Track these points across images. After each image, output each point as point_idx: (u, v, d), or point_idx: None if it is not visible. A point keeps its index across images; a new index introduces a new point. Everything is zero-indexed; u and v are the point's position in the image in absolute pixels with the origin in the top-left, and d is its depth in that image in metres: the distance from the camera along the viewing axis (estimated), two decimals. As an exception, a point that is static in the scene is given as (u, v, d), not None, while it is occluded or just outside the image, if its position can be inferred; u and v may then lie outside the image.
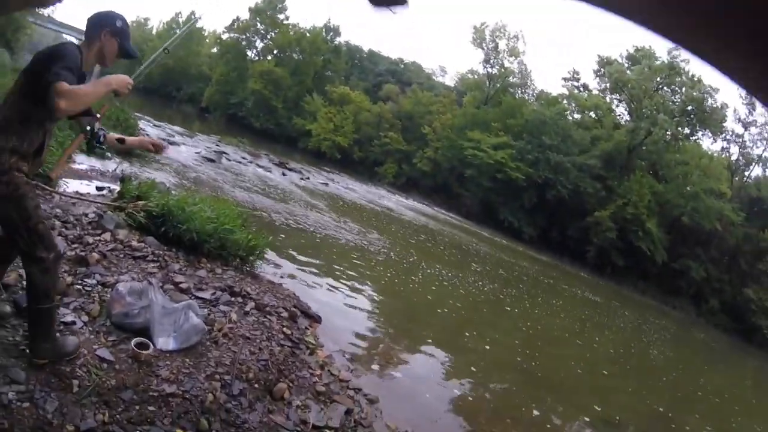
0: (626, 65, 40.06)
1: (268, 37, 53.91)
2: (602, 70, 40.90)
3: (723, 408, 10.00)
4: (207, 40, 62.52)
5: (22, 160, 2.32)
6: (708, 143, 39.24)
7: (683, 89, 36.77)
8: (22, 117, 2.31)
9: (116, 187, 6.52)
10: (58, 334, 2.70)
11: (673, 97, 37.56)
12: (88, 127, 2.85)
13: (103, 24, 2.51)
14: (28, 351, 2.58)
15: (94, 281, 3.63)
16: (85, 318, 3.17)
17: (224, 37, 54.71)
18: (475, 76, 48.91)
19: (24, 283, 3.19)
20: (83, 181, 6.94)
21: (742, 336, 28.29)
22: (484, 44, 45.51)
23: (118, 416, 2.55)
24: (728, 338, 26.69)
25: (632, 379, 9.62)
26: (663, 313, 25.62)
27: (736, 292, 31.41)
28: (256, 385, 3.47)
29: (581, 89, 43.98)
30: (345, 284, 8.04)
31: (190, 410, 2.84)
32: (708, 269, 32.90)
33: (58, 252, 2.50)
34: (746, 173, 38.94)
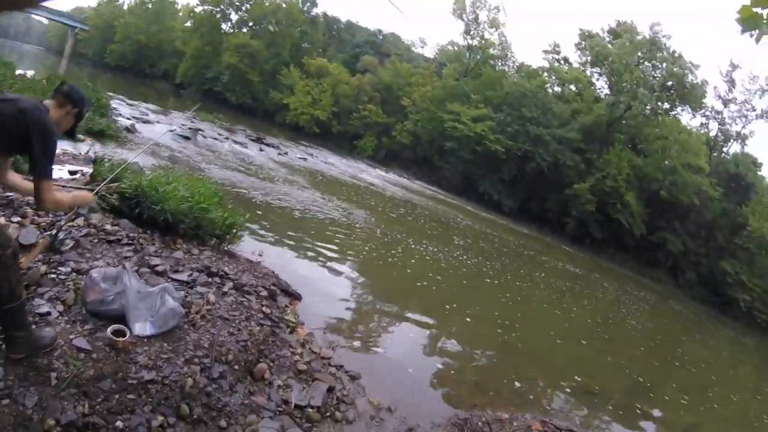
0: (607, 39, 39.98)
1: (243, 9, 52.49)
2: (583, 43, 40.73)
3: (700, 377, 10.34)
4: (180, 14, 60.69)
5: None
6: (687, 119, 39.50)
7: (664, 65, 36.84)
8: None
9: (89, 170, 6.34)
10: (33, 327, 2.64)
11: (653, 72, 37.59)
12: (54, 231, 3.20)
13: (76, 103, 2.75)
14: (3, 347, 2.50)
15: (69, 269, 3.54)
16: (61, 307, 3.10)
17: (198, 10, 53.02)
18: (456, 48, 48.42)
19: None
20: (56, 165, 6.73)
21: (719, 308, 29.10)
22: (464, 15, 44.93)
23: (98, 407, 2.52)
24: (705, 309, 27.44)
25: (611, 349, 9.87)
26: (641, 284, 26.19)
27: (712, 265, 32.12)
28: (236, 367, 3.46)
29: (562, 62, 43.88)
30: (325, 260, 8.03)
31: (170, 396, 2.82)
32: (685, 242, 33.52)
33: (13, 248, 2.40)
34: (724, 149, 39.45)
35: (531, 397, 5.71)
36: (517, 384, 5.87)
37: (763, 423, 8.68)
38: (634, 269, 31.16)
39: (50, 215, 4.24)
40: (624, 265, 31.25)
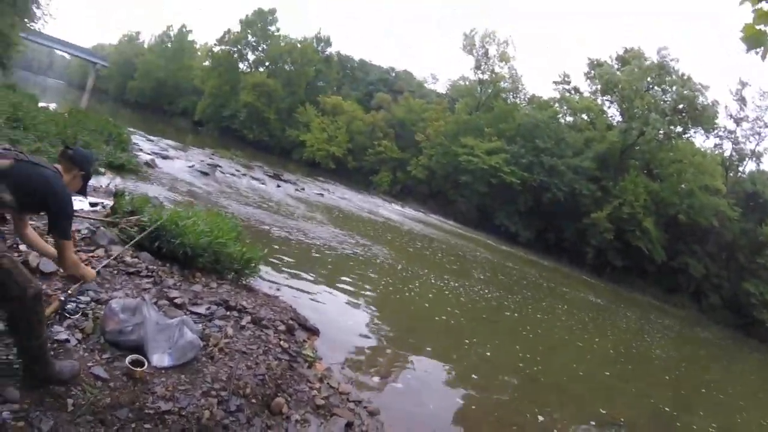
0: (616, 66, 40.29)
1: (260, 48, 54.11)
2: (592, 72, 41.12)
3: (728, 404, 9.97)
4: (199, 53, 62.68)
5: None
6: (701, 140, 39.36)
7: (674, 88, 36.95)
8: None
9: (109, 203, 6.45)
10: (54, 360, 2.61)
11: (663, 96, 37.71)
12: (62, 297, 3.21)
13: (82, 166, 2.91)
14: (23, 378, 2.50)
15: (88, 298, 3.56)
16: (79, 335, 3.11)
17: (216, 49, 54.76)
18: (467, 83, 49.14)
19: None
20: (76, 197, 6.86)
21: (744, 330, 28.32)
22: (474, 50, 45.71)
23: (114, 435, 2.49)
24: (730, 333, 26.69)
25: (635, 379, 9.57)
26: (664, 311, 25.61)
27: (735, 287, 31.47)
28: (254, 401, 3.41)
29: (572, 92, 44.23)
30: (343, 295, 7.99)
31: (186, 428, 2.78)
32: (707, 265, 32.96)
33: (35, 288, 2.37)
34: (740, 168, 39.12)
35: (555, 431, 5.53)
36: (540, 418, 5.70)
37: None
38: (656, 296, 30.56)
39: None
40: (646, 292, 30.67)
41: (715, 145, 39.45)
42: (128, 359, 2.97)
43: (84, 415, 2.47)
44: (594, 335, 12.51)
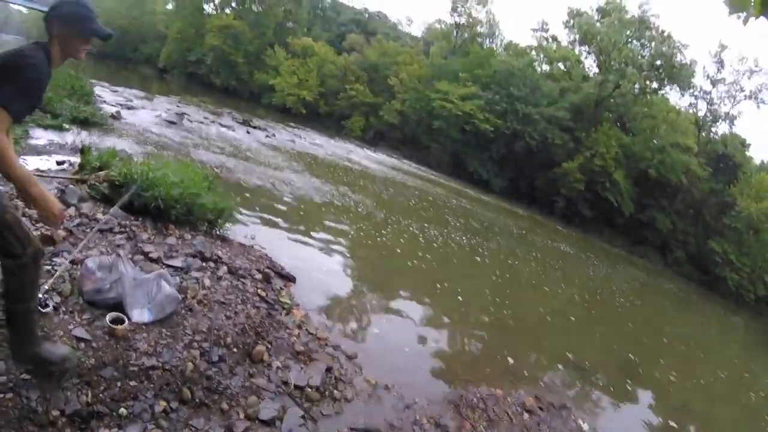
0: (596, 17, 39.79)
1: (226, -12, 51.53)
2: (572, 21, 40.52)
3: (688, 354, 10.55)
4: (162, -3, 59.45)
5: None
6: (676, 98, 39.46)
7: (653, 44, 36.72)
8: None
9: (76, 159, 6.27)
10: (46, 341, 2.49)
11: (642, 52, 37.49)
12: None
13: (52, 15, 2.21)
14: (10, 353, 2.40)
15: (63, 259, 3.52)
16: (58, 298, 3.09)
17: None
18: (443, 26, 47.97)
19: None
20: (42, 156, 6.62)
21: (707, 286, 29.45)
22: (451, -8, 44.45)
23: (101, 395, 2.55)
24: (694, 288, 27.80)
25: (600, 325, 10.05)
26: (631, 262, 26.50)
27: (701, 245, 32.44)
28: (235, 350, 3.50)
29: (550, 40, 43.65)
30: (317, 242, 8.06)
31: (171, 381, 2.85)
32: (674, 221, 33.80)
33: (36, 248, 2.21)
34: (713, 130, 39.51)
35: (525, 373, 5.81)
36: (510, 360, 5.98)
37: (750, 399, 8.92)
38: (624, 247, 31.49)
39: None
40: (613, 243, 31.58)
41: (690, 104, 39.52)
42: (108, 317, 2.99)
43: (70, 378, 2.50)
44: (562, 282, 12.97)
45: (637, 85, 36.63)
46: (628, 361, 8.13)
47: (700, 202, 34.77)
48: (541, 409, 4.79)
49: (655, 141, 34.79)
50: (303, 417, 3.27)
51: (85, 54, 2.33)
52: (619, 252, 29.46)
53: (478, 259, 11.67)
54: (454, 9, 45.15)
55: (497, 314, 7.84)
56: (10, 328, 2.32)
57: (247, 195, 9.25)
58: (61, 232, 3.87)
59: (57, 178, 5.15)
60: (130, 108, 14.69)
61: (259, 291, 4.59)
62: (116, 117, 12.18)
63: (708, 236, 32.39)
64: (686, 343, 11.64)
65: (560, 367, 6.53)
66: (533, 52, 42.81)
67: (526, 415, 4.56)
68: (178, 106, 18.81)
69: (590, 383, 6.49)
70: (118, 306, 3.14)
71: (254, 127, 21.01)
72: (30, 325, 2.35)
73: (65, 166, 6.28)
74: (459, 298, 8.02)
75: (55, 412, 2.33)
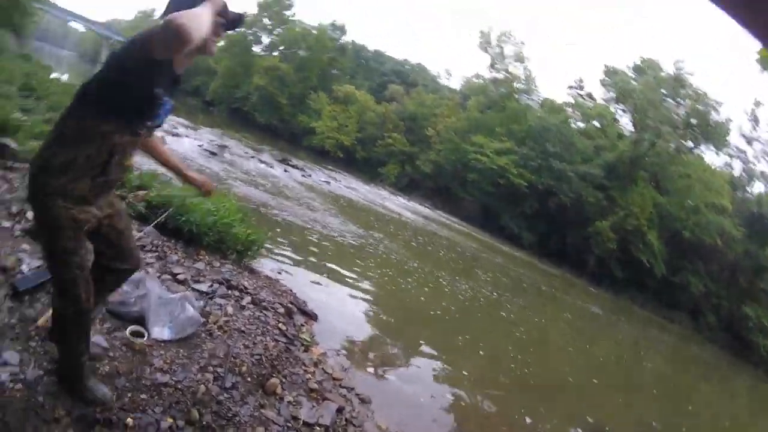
0: (632, 76, 40.02)
1: (275, 33, 53.95)
2: (608, 79, 40.86)
3: (713, 423, 9.99)
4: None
5: (73, 182, 1.94)
6: (711, 157, 38.95)
7: (688, 102, 36.71)
8: (78, 128, 1.95)
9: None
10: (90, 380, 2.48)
11: (677, 110, 37.42)
12: None
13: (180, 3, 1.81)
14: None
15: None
16: (81, 306, 3.16)
17: (230, 31, 54.51)
18: (481, 81, 48.88)
19: (22, 266, 3.20)
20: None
21: (739, 353, 28.05)
22: (489, 49, 45.45)
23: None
24: (725, 354, 26.53)
25: (624, 390, 9.62)
26: (661, 326, 25.55)
27: (734, 309, 31.14)
28: (249, 379, 3.47)
29: (586, 98, 43.96)
30: (343, 283, 8.04)
31: (181, 400, 2.84)
32: (707, 284, 32.70)
33: (80, 308, 2.16)
34: (748, 189, 38.72)
35: (542, 434, 5.59)
36: (528, 420, 5.75)
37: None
38: (654, 310, 30.40)
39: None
40: (644, 306, 30.56)
41: (725, 164, 39.03)
42: (129, 330, 3.03)
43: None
44: (588, 343, 12.55)
45: (672, 144, 36.19)
46: (650, 428, 7.73)
47: (734, 264, 33.53)
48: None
49: (689, 201, 34.09)
50: (309, 454, 3.19)
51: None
52: (650, 315, 28.44)
53: (504, 314, 11.44)
54: (492, 64, 46.05)
55: (518, 372, 7.61)
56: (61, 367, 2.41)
57: (279, 230, 9.37)
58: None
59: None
60: (174, 135, 15.28)
61: (280, 325, 4.58)
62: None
63: (742, 301, 31.04)
64: (713, 411, 11.02)
65: (579, 429, 6.24)
66: (569, 109, 43.05)
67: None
68: (220, 139, 19.44)
69: (609, 450, 6.18)
70: (140, 320, 3.19)
71: (292, 166, 21.50)
72: (72, 365, 2.39)
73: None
74: (480, 352, 7.84)
75: (62, 411, 2.34)
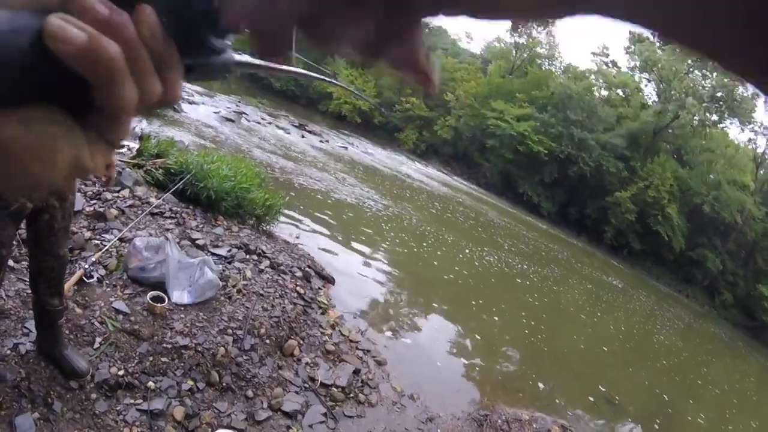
0: (657, 44, 38.59)
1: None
2: (632, 47, 39.50)
3: (721, 399, 9.98)
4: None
5: None
6: (735, 132, 37.87)
7: (714, 74, 35.32)
8: None
9: (135, 145, 6.57)
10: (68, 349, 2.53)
11: (703, 82, 36.12)
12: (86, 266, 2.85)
13: None
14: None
15: (112, 236, 3.69)
16: (103, 272, 3.24)
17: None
18: (502, 45, 47.72)
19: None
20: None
21: (752, 333, 27.65)
22: (512, 12, 44.04)
23: (132, 367, 2.64)
24: (739, 334, 26.21)
25: (636, 361, 9.64)
26: (677, 301, 25.33)
27: (750, 288, 30.69)
28: (267, 341, 3.55)
29: (610, 65, 42.69)
30: (360, 248, 8.10)
31: (201, 363, 2.93)
32: (724, 261, 32.15)
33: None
34: None
35: (555, 400, 5.65)
36: (541, 386, 5.82)
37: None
38: (670, 284, 30.10)
39: (97, 185, 4.38)
40: (660, 279, 30.29)
41: (749, 140, 37.77)
42: (149, 295, 3.11)
43: (108, 348, 2.61)
44: (602, 313, 12.54)
45: (696, 117, 35.19)
46: (659, 399, 7.78)
47: (752, 243, 32.93)
48: (566, 438, 4.65)
49: (711, 176, 33.40)
50: (324, 414, 3.28)
51: None
52: (665, 289, 28.19)
53: (519, 281, 11.45)
54: (514, 29, 44.82)
55: (532, 338, 7.66)
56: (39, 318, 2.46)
57: (296, 195, 9.41)
58: (114, 211, 4.06)
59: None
60: (191, 103, 15.26)
61: (297, 288, 4.65)
62: (177, 110, 12.68)
63: (758, 280, 30.51)
64: (721, 387, 11.00)
65: (590, 398, 6.30)
66: (592, 77, 41.93)
67: (550, 443, 4.44)
68: (237, 105, 19.43)
69: (618, 418, 6.24)
70: (160, 286, 3.27)
71: (309, 132, 21.43)
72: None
73: (124, 150, 6.58)
74: (495, 317, 7.88)
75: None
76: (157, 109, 0.27)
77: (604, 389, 6.74)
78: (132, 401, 2.51)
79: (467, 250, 11.67)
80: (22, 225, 2.16)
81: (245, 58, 0.36)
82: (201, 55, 0.32)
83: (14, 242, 2.34)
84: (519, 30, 44.31)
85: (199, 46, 0.31)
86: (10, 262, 2.87)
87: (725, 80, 34.03)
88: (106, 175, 2.46)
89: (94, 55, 0.23)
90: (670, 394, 8.28)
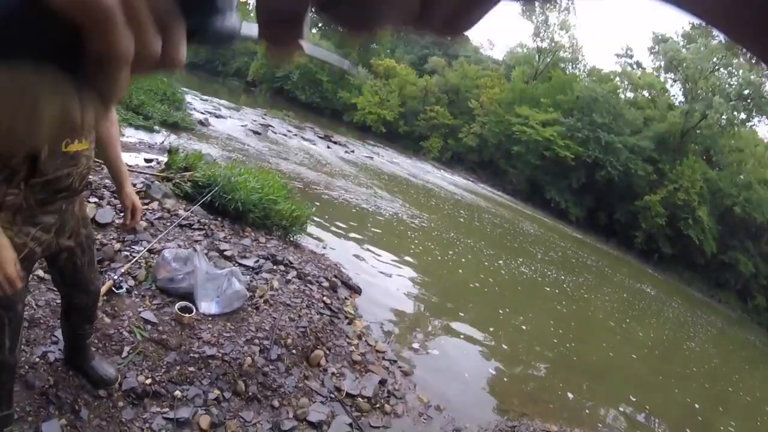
0: (682, 43, 37.85)
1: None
2: (656, 47, 38.78)
3: (753, 407, 9.64)
4: (251, 14, 62.88)
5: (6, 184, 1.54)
6: (764, 130, 36.79)
7: (740, 72, 34.39)
8: None
9: (164, 159, 6.73)
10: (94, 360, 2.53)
11: (729, 80, 35.18)
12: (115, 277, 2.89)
13: None
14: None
15: (141, 248, 3.78)
16: (132, 282, 3.32)
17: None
18: (525, 50, 47.41)
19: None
20: (131, 153, 7.18)
21: None
22: (533, 17, 43.94)
23: (159, 376, 2.69)
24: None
25: (667, 369, 9.37)
26: (709, 306, 24.59)
27: (783, 292, 29.72)
28: (294, 351, 3.58)
29: (634, 67, 42.00)
30: (387, 257, 8.10)
31: (228, 372, 2.97)
32: (757, 264, 31.12)
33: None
34: None
35: (583, 411, 5.54)
36: (570, 396, 5.71)
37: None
38: (702, 289, 29.25)
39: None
40: (692, 284, 29.46)
41: (779, 138, 36.69)
42: (177, 305, 3.17)
43: (136, 357, 2.67)
44: (633, 321, 12.25)
45: (724, 116, 34.25)
46: (689, 408, 7.55)
47: (786, 245, 31.84)
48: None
49: (741, 176, 32.55)
50: (350, 425, 3.28)
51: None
52: (697, 294, 27.37)
53: (548, 289, 11.28)
54: (536, 33, 44.57)
55: (561, 347, 7.53)
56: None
57: (323, 206, 9.49)
58: (143, 223, 4.16)
59: (144, 174, 5.54)
60: (218, 116, 15.57)
61: (324, 298, 4.68)
62: (204, 123, 12.95)
63: (792, 284, 29.50)
64: (753, 395, 10.61)
65: (621, 408, 6.15)
66: (617, 79, 41.30)
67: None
68: (263, 118, 19.72)
69: (648, 428, 6.07)
70: (188, 296, 3.33)
71: (335, 143, 21.61)
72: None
73: (153, 164, 6.76)
74: (523, 327, 7.78)
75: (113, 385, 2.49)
76: (157, 70, 0.25)
77: (634, 399, 6.59)
78: (158, 409, 2.56)
79: (496, 259, 11.57)
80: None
81: (253, 30, 0.33)
82: (204, 14, 0.29)
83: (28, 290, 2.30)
84: (541, 34, 44.01)
85: (203, 5, 0.29)
86: (40, 272, 2.97)
87: (752, 77, 33.15)
88: (131, 223, 2.20)
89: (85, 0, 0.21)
90: (701, 402, 8.05)
